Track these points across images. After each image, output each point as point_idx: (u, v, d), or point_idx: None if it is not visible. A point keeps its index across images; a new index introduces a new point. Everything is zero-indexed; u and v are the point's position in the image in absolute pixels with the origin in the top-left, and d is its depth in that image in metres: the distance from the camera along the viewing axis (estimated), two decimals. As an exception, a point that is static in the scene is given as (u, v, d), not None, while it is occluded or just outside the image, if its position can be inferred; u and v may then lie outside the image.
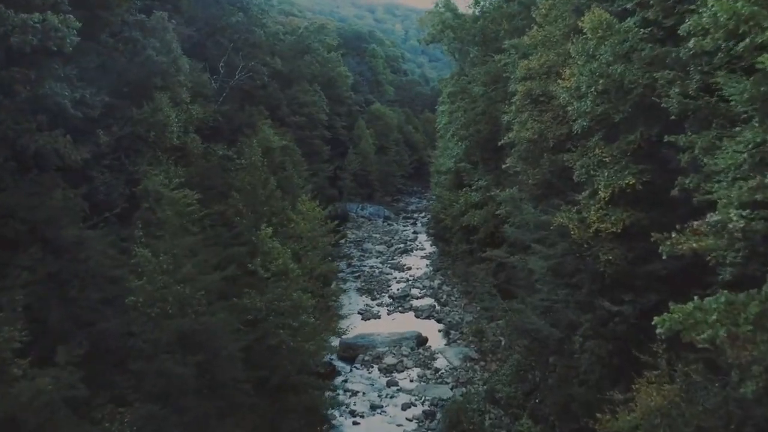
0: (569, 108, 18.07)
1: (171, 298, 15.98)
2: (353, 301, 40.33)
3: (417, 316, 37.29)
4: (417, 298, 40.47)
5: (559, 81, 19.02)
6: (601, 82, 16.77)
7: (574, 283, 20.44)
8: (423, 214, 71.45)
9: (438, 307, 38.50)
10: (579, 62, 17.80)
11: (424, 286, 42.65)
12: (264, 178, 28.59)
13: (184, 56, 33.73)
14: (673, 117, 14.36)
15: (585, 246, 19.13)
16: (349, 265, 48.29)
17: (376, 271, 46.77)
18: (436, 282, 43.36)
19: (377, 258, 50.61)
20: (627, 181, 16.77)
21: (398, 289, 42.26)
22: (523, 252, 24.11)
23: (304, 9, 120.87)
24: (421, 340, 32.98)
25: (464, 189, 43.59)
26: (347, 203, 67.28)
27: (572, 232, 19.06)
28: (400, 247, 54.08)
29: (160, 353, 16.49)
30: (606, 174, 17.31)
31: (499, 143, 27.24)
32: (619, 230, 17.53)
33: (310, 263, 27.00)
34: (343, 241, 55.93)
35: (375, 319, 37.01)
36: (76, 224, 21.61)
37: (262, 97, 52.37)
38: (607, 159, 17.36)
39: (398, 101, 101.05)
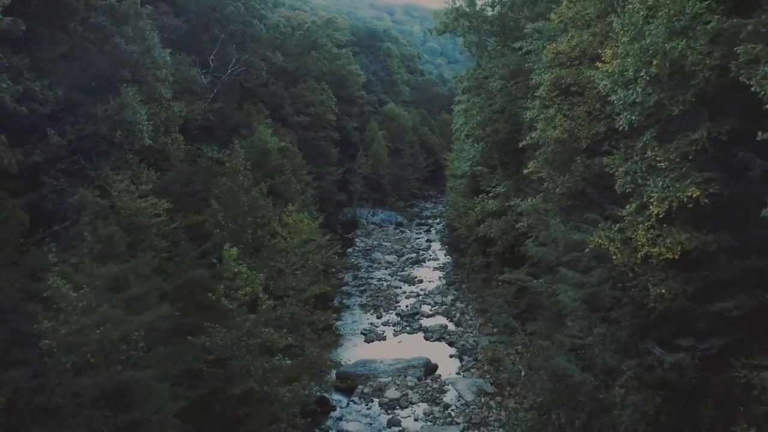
0: (613, 98, 14.06)
1: (93, 344, 12.36)
2: (357, 319, 36.54)
3: (426, 338, 33.35)
4: (427, 316, 36.53)
5: (598, 65, 15.01)
6: (655, 63, 12.78)
7: (613, 319, 16.41)
8: (438, 220, 67.44)
9: (450, 328, 34.52)
10: (624, 39, 13.81)
11: (436, 303, 38.69)
12: (247, 184, 24.90)
13: (166, 48, 30.42)
14: (766, 106, 10.32)
15: (629, 274, 15.13)
16: (355, 278, 44.50)
17: (384, 284, 42.93)
18: (449, 298, 39.38)
19: (386, 269, 46.75)
20: (689, 193, 12.74)
21: (407, 306, 38.37)
22: (550, 274, 20.06)
23: (319, 9, 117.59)
24: (430, 368, 29.06)
25: (481, 196, 39.63)
26: (357, 208, 63.64)
27: (613, 257, 15.09)
28: (411, 257, 50.16)
29: (82, 411, 12.86)
30: (660, 183, 13.28)
31: (521, 144, 23.23)
32: (676, 256, 13.50)
33: (298, 284, 23.28)
34: (350, 249, 52.36)
35: (379, 341, 33.16)
36: (13, 240, 18.26)
37: (263, 95, 49.01)
38: (662, 164, 13.31)
39: (414, 102, 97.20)
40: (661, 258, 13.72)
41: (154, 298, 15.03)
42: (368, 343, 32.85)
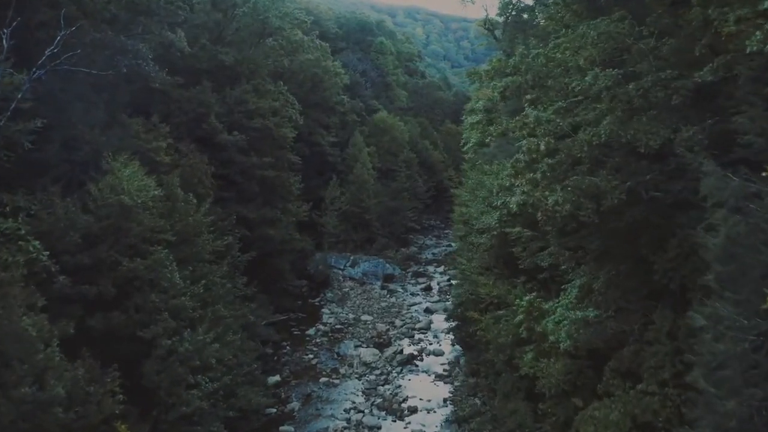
0: None
1: None
2: None
3: None
4: None
5: None
6: None
7: None
8: (442, 269, 50.18)
9: None
10: None
11: (440, 479, 21.43)
12: None
13: None
14: None
15: None
16: (306, 401, 27.14)
17: (353, 418, 25.54)
18: (463, 464, 22.11)
19: (360, 380, 29.30)
20: None
21: (387, 486, 21.09)
22: None
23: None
24: None
25: (521, 282, 22.63)
26: (332, 256, 46.40)
27: None
28: (401, 350, 32.68)
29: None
30: None
31: None
32: None
33: None
34: (312, 331, 35.32)
35: None
36: None
37: (174, 101, 32.08)
38: None
39: (412, 109, 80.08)
40: None
41: None
42: None
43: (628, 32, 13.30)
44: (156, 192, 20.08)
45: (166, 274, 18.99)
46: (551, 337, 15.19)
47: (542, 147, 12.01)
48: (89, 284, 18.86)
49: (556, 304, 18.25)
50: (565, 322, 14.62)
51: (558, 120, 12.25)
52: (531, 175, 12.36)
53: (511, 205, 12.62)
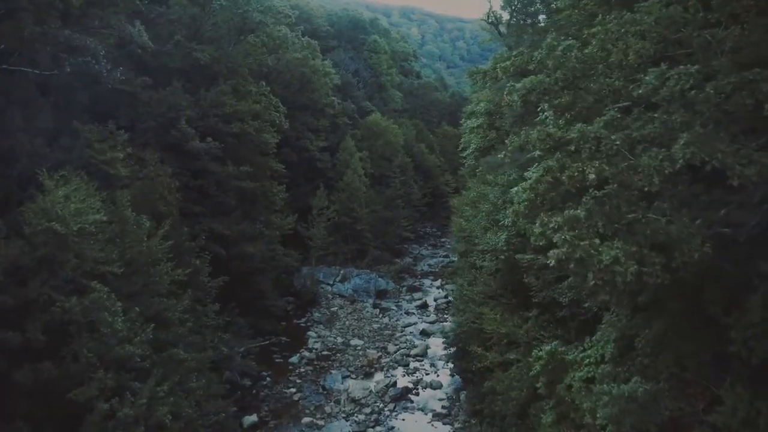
0: None
1: None
2: None
3: None
4: None
5: None
6: None
7: None
8: (439, 282, 46.96)
9: None
10: None
11: None
12: None
13: None
14: None
15: None
16: (285, 449, 23.75)
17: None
18: None
19: (347, 419, 25.88)
20: None
21: None
22: None
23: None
24: None
25: (533, 317, 19.54)
26: (317, 271, 42.96)
27: None
28: (394, 381, 29.30)
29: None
30: None
31: None
32: None
33: None
34: (295, 358, 31.97)
35: None
36: None
37: (140, 104, 28.68)
38: None
39: (407, 111, 76.80)
40: None
41: None
42: None
43: (691, 19, 10.03)
44: (98, 216, 16.60)
45: (105, 317, 15.55)
46: (587, 416, 11.89)
47: (591, 175, 8.65)
48: (13, 330, 15.54)
49: (582, 354, 15.01)
50: (605, 397, 11.29)
51: (613, 137, 8.88)
52: (570, 212, 8.92)
53: (549, 261, 9.16)
